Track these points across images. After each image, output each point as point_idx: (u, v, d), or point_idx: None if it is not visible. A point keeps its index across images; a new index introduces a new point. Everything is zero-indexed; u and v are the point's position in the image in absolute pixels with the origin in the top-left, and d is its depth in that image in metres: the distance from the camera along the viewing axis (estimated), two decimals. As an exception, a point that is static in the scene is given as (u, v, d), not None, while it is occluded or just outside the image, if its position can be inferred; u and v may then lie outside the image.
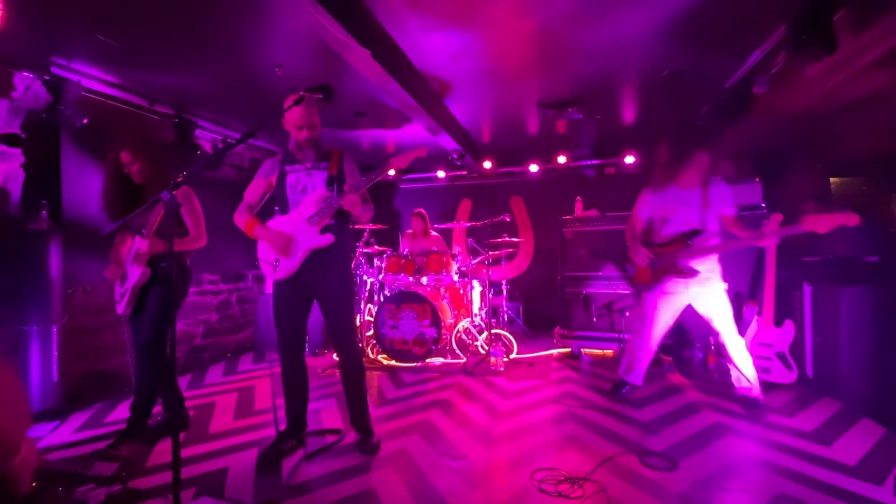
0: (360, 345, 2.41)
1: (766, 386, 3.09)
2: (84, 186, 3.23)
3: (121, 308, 2.42)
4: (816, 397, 2.98)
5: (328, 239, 2.23)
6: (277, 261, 2.29)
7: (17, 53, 2.84)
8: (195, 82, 3.45)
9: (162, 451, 2.36)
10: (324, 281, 2.28)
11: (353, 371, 2.39)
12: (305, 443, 2.42)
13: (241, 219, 2.36)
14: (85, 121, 3.12)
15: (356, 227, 4.18)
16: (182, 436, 2.53)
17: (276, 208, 2.44)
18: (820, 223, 2.25)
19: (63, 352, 3.00)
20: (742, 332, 3.02)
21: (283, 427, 2.37)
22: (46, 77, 2.96)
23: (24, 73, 2.95)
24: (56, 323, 2.97)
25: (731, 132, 3.91)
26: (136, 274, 2.38)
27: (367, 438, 2.36)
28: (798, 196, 3.66)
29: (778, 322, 3.14)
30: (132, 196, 2.38)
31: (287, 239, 2.24)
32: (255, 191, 2.38)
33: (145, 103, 3.65)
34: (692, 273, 2.72)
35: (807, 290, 3.30)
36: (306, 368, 2.41)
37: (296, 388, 2.37)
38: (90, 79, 3.22)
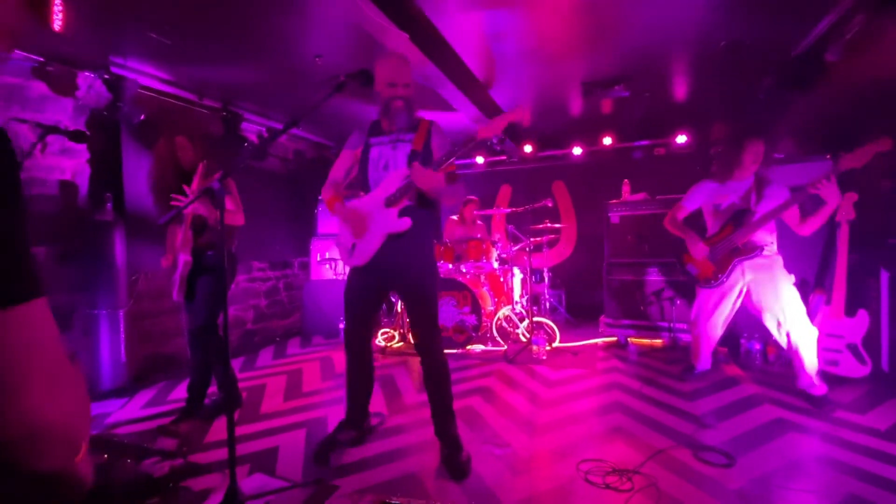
0: (441, 345, 2.12)
1: (835, 380, 2.87)
2: (143, 179, 3.42)
3: (175, 294, 2.54)
4: (893, 394, 2.73)
5: (405, 224, 1.97)
6: (354, 245, 2.08)
7: (79, 54, 3.02)
8: (240, 75, 3.55)
9: (218, 428, 2.49)
10: (403, 271, 2.05)
11: (435, 374, 2.09)
12: (365, 436, 2.32)
13: (326, 194, 2.16)
14: (142, 117, 3.29)
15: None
16: (236, 414, 2.67)
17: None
18: (856, 157, 2.26)
19: (129, 335, 3.23)
20: (808, 322, 2.81)
21: (343, 416, 2.27)
22: (106, 76, 3.14)
23: (86, 73, 3.14)
24: (122, 308, 3.19)
25: (798, 105, 3.58)
26: (181, 262, 2.43)
27: (455, 454, 1.99)
28: (873, 173, 3.32)
29: (850, 312, 2.88)
30: (181, 182, 2.42)
31: (361, 219, 2.03)
32: (340, 165, 2.16)
33: (195, 98, 3.81)
34: (756, 250, 2.61)
35: (884, 276, 3.00)
36: (373, 360, 2.27)
37: (360, 379, 2.23)
38: (145, 76, 3.39)
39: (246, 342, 4.60)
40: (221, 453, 2.14)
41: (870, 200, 3.07)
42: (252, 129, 4.54)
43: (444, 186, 1.92)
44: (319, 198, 5.15)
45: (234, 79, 3.61)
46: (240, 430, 2.45)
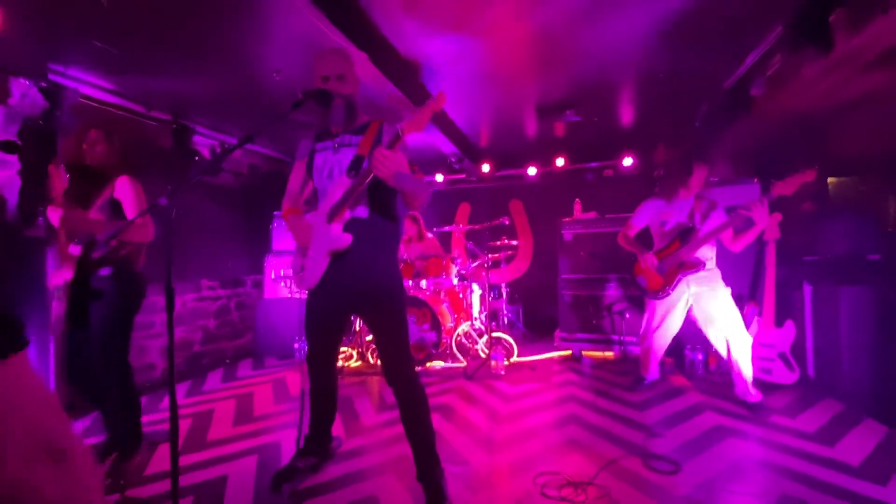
0: (416, 374, 1.89)
1: (768, 387, 3.09)
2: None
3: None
4: (818, 398, 2.97)
5: (345, 240, 1.77)
6: (302, 268, 1.91)
7: (14, 60, 2.83)
8: (192, 87, 3.44)
9: (161, 458, 2.33)
10: (359, 294, 1.84)
11: (411, 408, 1.84)
12: (326, 461, 2.22)
13: (284, 205, 2.03)
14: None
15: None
16: (179, 443, 2.51)
17: None
18: (786, 186, 2.51)
19: (60, 362, 2.97)
20: (743, 333, 3.04)
21: (301, 444, 2.15)
22: (43, 84, 2.95)
23: (21, 80, 2.94)
24: (54, 333, 2.94)
25: (729, 132, 3.91)
26: (60, 280, 2.03)
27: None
28: (796, 197, 3.66)
29: (779, 322, 3.13)
30: (84, 180, 2.14)
31: (307, 235, 1.89)
32: (295, 177, 2.03)
33: (143, 109, 3.65)
34: (700, 265, 2.80)
35: (807, 289, 3.30)
36: (336, 385, 2.14)
37: (323, 405, 2.11)
38: (87, 85, 3.22)
39: (192, 365, 4.35)
40: (164, 485, 2.01)
41: (794, 221, 3.38)
42: (205, 142, 4.39)
43: (408, 173, 1.67)
44: (275, 213, 5.03)
45: (185, 91, 3.49)
46: (184, 460, 2.30)
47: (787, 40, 2.46)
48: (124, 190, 2.11)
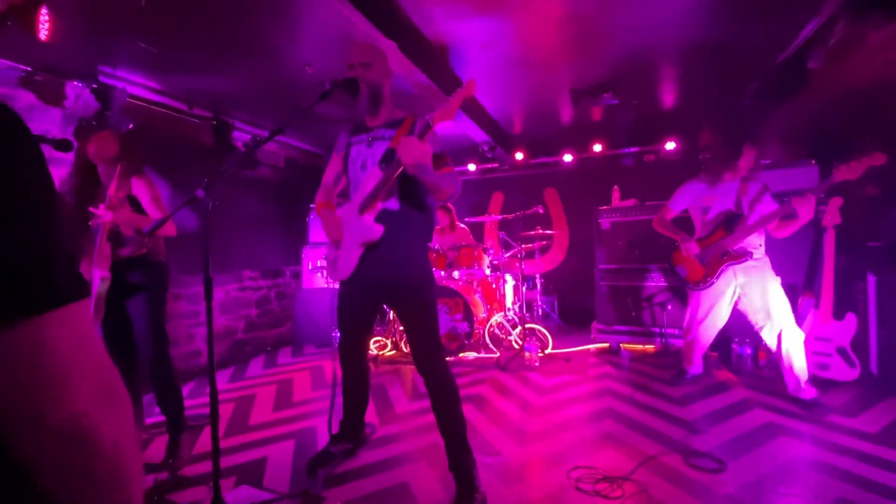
0: (446, 364, 1.90)
1: (825, 384, 2.88)
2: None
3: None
4: (882, 396, 2.74)
5: (377, 231, 1.80)
6: (336, 259, 1.96)
7: (67, 63, 3.00)
8: (230, 84, 3.55)
9: (206, 440, 2.45)
10: (390, 285, 1.87)
11: (441, 397, 1.85)
12: (360, 447, 2.26)
13: (318, 199, 2.07)
14: (131, 126, 3.27)
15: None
16: (222, 427, 2.63)
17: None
18: (851, 170, 2.28)
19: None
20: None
21: (335, 430, 2.20)
22: (94, 85, 3.12)
23: (74, 83, 3.12)
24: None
25: (783, 111, 3.63)
26: (97, 278, 1.99)
27: (468, 495, 1.73)
28: (858, 179, 3.37)
29: (838, 315, 2.90)
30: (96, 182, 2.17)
31: (339, 228, 1.92)
32: (331, 170, 2.07)
33: (185, 107, 3.80)
34: (747, 255, 2.64)
35: (871, 279, 3.03)
36: (369, 372, 2.19)
37: (356, 391, 2.15)
38: (134, 85, 3.38)
39: (236, 352, 4.55)
40: (208, 465, 2.12)
41: (855, 206, 3.11)
42: (244, 138, 4.54)
43: (431, 163, 1.68)
44: (311, 206, 5.15)
45: (223, 88, 3.61)
46: (227, 442, 2.41)
47: (853, 4, 2.23)
48: (140, 187, 2.15)
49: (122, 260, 2.10)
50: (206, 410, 2.84)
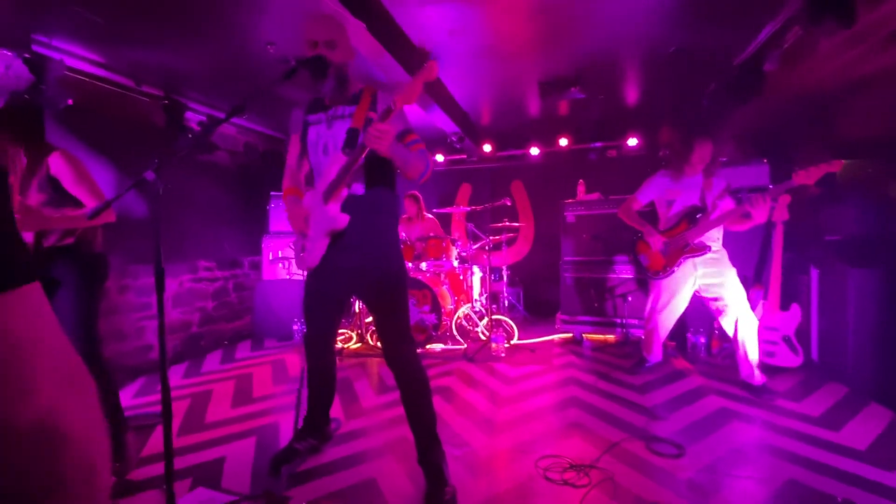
0: (417, 357, 1.84)
1: (772, 370, 3.06)
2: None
3: None
4: (822, 382, 2.94)
5: (342, 221, 1.72)
6: (303, 248, 1.87)
7: (-5, 30, 2.71)
8: (184, 61, 3.31)
9: (158, 441, 2.31)
10: (358, 275, 1.80)
11: (411, 391, 1.81)
12: (325, 443, 2.20)
13: (284, 184, 1.95)
14: (70, 102, 2.99)
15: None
16: (175, 425, 2.49)
17: None
18: (809, 175, 2.35)
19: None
20: (748, 316, 2.99)
21: (300, 425, 2.13)
22: (27, 55, 2.83)
23: (4, 51, 2.82)
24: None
25: (738, 111, 3.80)
26: None
27: (438, 490, 1.69)
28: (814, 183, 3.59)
29: (784, 306, 3.08)
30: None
31: (305, 216, 1.84)
32: (292, 152, 1.95)
33: (132, 84, 3.52)
34: (705, 249, 2.75)
35: (814, 273, 3.24)
36: (335, 366, 2.11)
37: (322, 386, 2.08)
38: (74, 57, 3.09)
39: (191, 347, 4.32)
40: (161, 468, 1.99)
41: (801, 204, 3.30)
42: (198, 119, 4.27)
43: (398, 144, 1.64)
44: (272, 193, 4.93)
45: (176, 64, 3.36)
46: (182, 442, 2.28)
47: (808, 12, 2.33)
48: (59, 167, 1.88)
49: (45, 251, 1.85)
50: (158, 408, 2.69)
